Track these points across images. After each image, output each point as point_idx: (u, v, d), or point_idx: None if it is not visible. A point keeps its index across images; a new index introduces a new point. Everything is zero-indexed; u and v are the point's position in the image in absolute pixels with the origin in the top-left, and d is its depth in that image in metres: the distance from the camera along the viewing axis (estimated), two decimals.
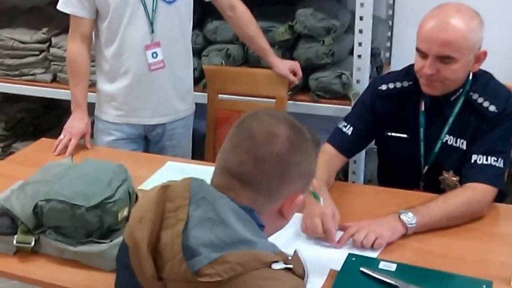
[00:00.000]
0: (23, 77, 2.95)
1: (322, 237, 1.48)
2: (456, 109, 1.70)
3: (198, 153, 2.99)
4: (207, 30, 2.60)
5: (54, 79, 2.94)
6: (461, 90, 1.69)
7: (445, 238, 1.50)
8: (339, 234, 1.50)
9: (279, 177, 1.05)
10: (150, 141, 2.25)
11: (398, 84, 1.78)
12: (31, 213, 1.48)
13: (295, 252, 1.06)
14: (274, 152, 1.04)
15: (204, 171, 1.88)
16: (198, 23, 2.67)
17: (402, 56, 2.84)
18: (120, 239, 1.42)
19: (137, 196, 1.56)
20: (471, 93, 1.69)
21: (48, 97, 2.97)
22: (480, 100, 1.67)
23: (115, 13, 2.01)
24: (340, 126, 1.83)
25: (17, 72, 2.95)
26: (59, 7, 2.07)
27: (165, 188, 1.05)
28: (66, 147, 2.05)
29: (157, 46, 2.05)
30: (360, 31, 2.31)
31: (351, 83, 2.40)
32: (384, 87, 1.79)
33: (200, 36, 2.63)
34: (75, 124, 2.09)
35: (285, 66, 2.29)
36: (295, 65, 2.31)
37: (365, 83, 2.39)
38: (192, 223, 0.99)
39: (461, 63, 1.60)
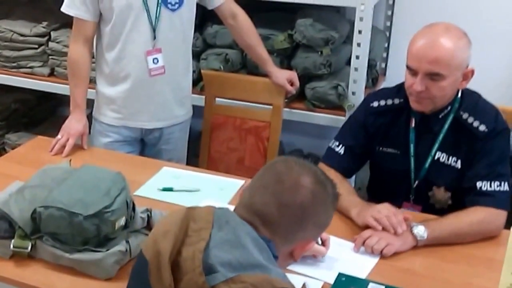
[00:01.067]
0: (21, 70, 2.96)
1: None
2: (446, 127, 1.76)
3: (192, 151, 3.02)
4: (207, 33, 2.62)
5: (51, 73, 2.95)
6: (449, 108, 1.74)
7: (433, 260, 1.55)
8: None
9: (297, 223, 1.14)
10: (146, 144, 2.27)
11: (389, 101, 1.83)
12: (28, 218, 1.49)
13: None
14: (298, 201, 1.12)
15: (198, 178, 1.95)
16: (198, 26, 2.68)
17: (398, 67, 2.86)
18: (116, 248, 1.47)
19: (134, 204, 1.58)
20: (461, 112, 1.74)
21: (45, 90, 2.98)
22: (470, 119, 1.73)
23: (118, 18, 2.02)
24: (332, 146, 1.87)
25: (14, 64, 2.95)
26: (63, 9, 2.08)
27: (191, 210, 1.14)
28: (63, 147, 2.07)
29: (158, 52, 2.07)
30: (358, 45, 2.34)
31: (346, 95, 2.43)
32: (375, 104, 1.84)
33: (200, 39, 2.64)
34: (73, 125, 2.11)
35: (283, 76, 2.31)
36: (293, 75, 2.34)
37: (360, 95, 2.43)
38: (213, 243, 1.06)
39: (449, 80, 1.65)
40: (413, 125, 1.79)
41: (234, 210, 1.17)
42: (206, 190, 1.87)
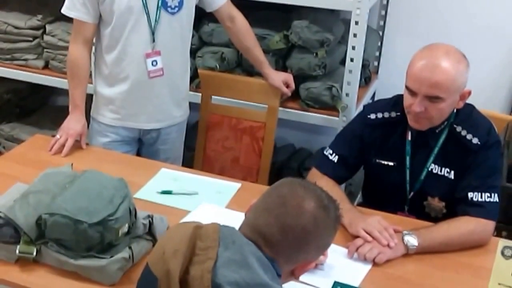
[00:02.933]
0: (15, 62, 2.96)
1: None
2: (441, 140, 1.81)
3: (185, 144, 3.06)
4: (203, 31, 2.64)
5: (46, 66, 2.96)
6: (446, 123, 1.79)
7: (423, 268, 1.62)
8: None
9: (299, 246, 1.17)
10: (144, 143, 2.31)
11: (387, 114, 1.87)
12: (33, 224, 1.53)
13: None
14: (301, 225, 1.15)
15: (196, 180, 1.99)
16: (195, 24, 2.70)
17: (390, 65, 2.94)
18: (119, 255, 1.51)
19: (135, 210, 1.63)
20: (454, 125, 1.79)
21: (39, 83, 2.99)
22: (463, 132, 1.78)
23: (118, 21, 2.04)
24: (326, 153, 1.91)
25: (8, 56, 2.96)
26: (64, 11, 2.09)
27: (197, 228, 1.17)
28: (62, 146, 2.10)
29: (157, 54, 2.10)
30: (353, 48, 2.38)
31: (340, 96, 2.47)
32: (373, 116, 1.88)
33: (196, 36, 2.66)
34: (72, 125, 2.13)
35: (279, 78, 2.35)
36: (289, 77, 2.38)
37: (354, 96, 2.48)
38: (220, 263, 1.11)
39: (448, 102, 1.70)
40: (409, 138, 1.83)
41: (239, 229, 1.21)
42: (204, 194, 1.91)
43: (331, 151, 1.91)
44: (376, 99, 2.95)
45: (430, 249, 1.64)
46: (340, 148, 1.91)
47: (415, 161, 1.84)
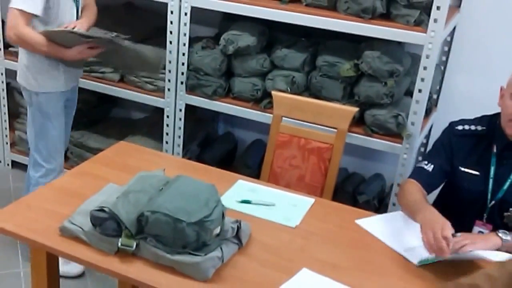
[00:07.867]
0: (92, 74, 3.16)
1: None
2: None
3: (243, 162, 3.18)
4: (275, 56, 2.79)
5: (121, 79, 3.14)
6: None
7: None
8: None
9: None
10: None
11: (473, 127, 2.06)
12: (134, 220, 1.67)
13: None
14: None
15: (272, 193, 2.11)
16: (266, 48, 2.86)
17: (449, 99, 3.03)
18: (213, 253, 1.63)
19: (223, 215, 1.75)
20: None
21: (115, 95, 3.19)
22: None
23: None
24: (421, 165, 2.08)
25: (87, 68, 3.14)
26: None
27: None
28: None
29: None
30: (422, 80, 2.49)
31: (405, 124, 2.58)
32: (460, 127, 2.07)
33: (268, 60, 2.82)
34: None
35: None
36: None
37: (419, 125, 2.58)
38: None
39: None
40: (495, 150, 1.98)
41: None
42: (281, 205, 2.03)
43: (426, 162, 2.07)
44: (433, 132, 3.04)
45: None
46: (434, 158, 2.08)
47: (500, 171, 1.97)
